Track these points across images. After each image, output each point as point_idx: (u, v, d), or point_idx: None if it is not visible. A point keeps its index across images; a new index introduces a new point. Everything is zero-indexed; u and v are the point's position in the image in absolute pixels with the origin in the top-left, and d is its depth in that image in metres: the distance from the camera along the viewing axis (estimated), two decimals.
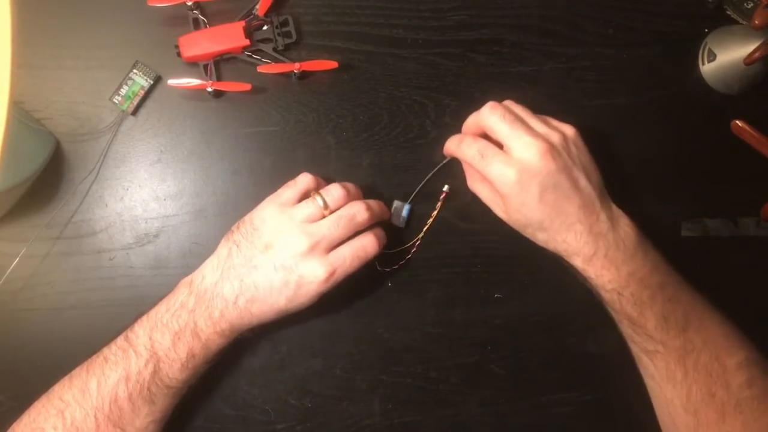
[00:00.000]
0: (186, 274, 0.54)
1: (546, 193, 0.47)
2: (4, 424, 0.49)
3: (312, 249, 0.46)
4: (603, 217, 0.48)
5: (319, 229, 0.47)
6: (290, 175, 0.51)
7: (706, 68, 0.60)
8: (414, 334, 0.56)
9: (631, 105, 0.60)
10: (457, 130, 0.58)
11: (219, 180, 0.55)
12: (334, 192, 0.48)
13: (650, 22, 0.61)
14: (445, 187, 0.56)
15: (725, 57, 0.58)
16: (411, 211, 0.56)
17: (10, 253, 0.51)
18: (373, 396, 0.55)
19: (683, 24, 0.61)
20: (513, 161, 0.47)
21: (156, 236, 0.54)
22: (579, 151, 0.49)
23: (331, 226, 0.47)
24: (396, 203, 0.56)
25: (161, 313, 0.46)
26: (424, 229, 0.56)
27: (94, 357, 0.46)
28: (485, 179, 0.50)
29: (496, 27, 0.59)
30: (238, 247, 0.47)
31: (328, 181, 0.52)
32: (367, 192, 0.56)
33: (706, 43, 0.60)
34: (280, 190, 0.50)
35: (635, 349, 0.49)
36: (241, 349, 0.54)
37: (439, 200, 0.56)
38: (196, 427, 0.53)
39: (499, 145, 0.49)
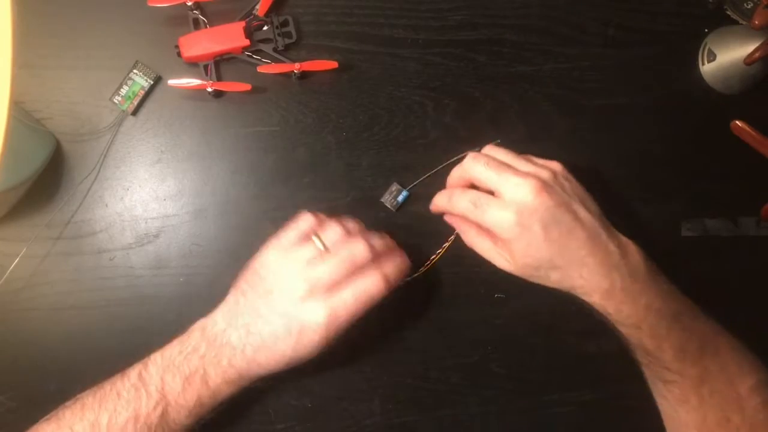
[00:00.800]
0: (186, 275, 0.54)
1: (549, 230, 0.45)
2: (4, 424, 0.49)
3: (311, 293, 0.44)
4: (612, 247, 0.46)
5: (317, 272, 0.45)
6: (290, 175, 0.51)
7: (706, 68, 0.60)
8: (414, 334, 0.56)
9: (631, 105, 0.60)
10: (457, 130, 0.58)
11: (219, 180, 0.55)
12: (332, 233, 0.47)
13: (650, 22, 0.61)
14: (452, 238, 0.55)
15: (725, 57, 0.58)
16: (407, 199, 0.55)
17: (10, 253, 0.51)
18: (373, 396, 0.55)
19: (683, 24, 0.61)
20: (508, 204, 0.46)
21: (156, 236, 0.54)
22: (571, 184, 0.48)
23: (330, 269, 0.45)
24: (394, 185, 0.56)
25: (174, 354, 0.45)
26: (432, 258, 0.55)
27: (107, 387, 0.44)
28: (482, 230, 0.49)
29: (496, 27, 0.59)
30: (244, 295, 0.46)
31: (329, 182, 0.52)
32: (366, 191, 0.56)
33: (706, 43, 0.60)
34: (281, 233, 0.48)
35: (650, 375, 0.49)
36: None
37: (447, 241, 0.56)
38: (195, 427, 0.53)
39: (490, 194, 0.48)
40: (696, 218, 0.59)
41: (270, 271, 0.46)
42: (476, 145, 0.58)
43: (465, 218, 0.50)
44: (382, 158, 0.57)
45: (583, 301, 0.48)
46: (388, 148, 0.57)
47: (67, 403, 0.45)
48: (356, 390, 0.55)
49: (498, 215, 0.46)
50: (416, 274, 0.55)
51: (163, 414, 0.44)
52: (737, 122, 0.58)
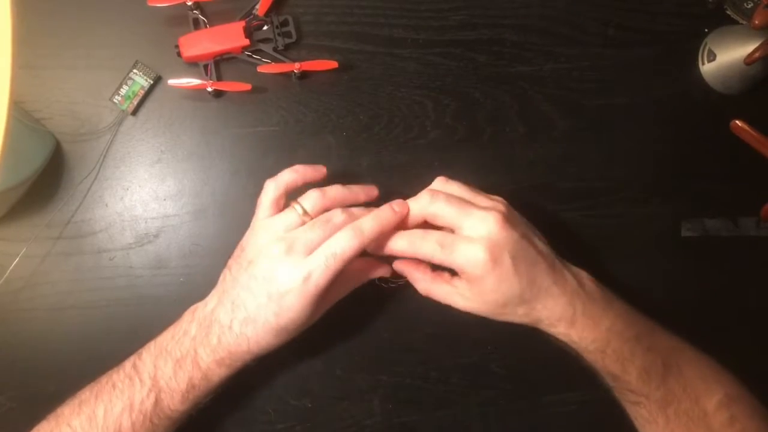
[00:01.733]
0: (186, 275, 0.54)
1: (518, 263, 0.45)
2: (4, 425, 0.49)
3: (287, 253, 0.44)
4: (568, 275, 0.47)
5: (294, 234, 0.45)
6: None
7: (706, 68, 0.60)
8: (414, 334, 0.56)
9: (631, 105, 0.60)
10: (457, 130, 0.58)
11: (219, 180, 0.55)
12: (311, 197, 0.47)
13: (650, 22, 0.61)
14: None
15: (725, 57, 0.58)
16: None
17: (10, 253, 0.51)
18: (373, 396, 0.55)
19: (683, 24, 0.61)
20: (476, 239, 0.45)
21: (156, 236, 0.54)
22: (521, 218, 0.48)
23: (306, 230, 0.45)
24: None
25: (167, 340, 0.45)
26: None
27: (103, 380, 0.45)
28: (438, 276, 0.49)
29: (496, 27, 0.59)
30: (230, 271, 0.47)
31: (329, 182, 0.52)
32: None
33: (706, 43, 0.60)
34: (256, 210, 0.48)
35: (619, 397, 0.49)
36: None
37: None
38: (195, 427, 0.53)
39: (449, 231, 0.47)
40: (696, 218, 0.59)
41: (250, 243, 0.47)
42: (476, 142, 0.58)
43: (418, 265, 0.50)
44: (382, 158, 0.57)
45: (548, 334, 0.48)
46: (388, 148, 0.57)
47: (66, 401, 0.45)
48: (356, 390, 0.55)
49: (468, 253, 0.45)
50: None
51: (157, 400, 0.44)
52: (737, 122, 0.58)
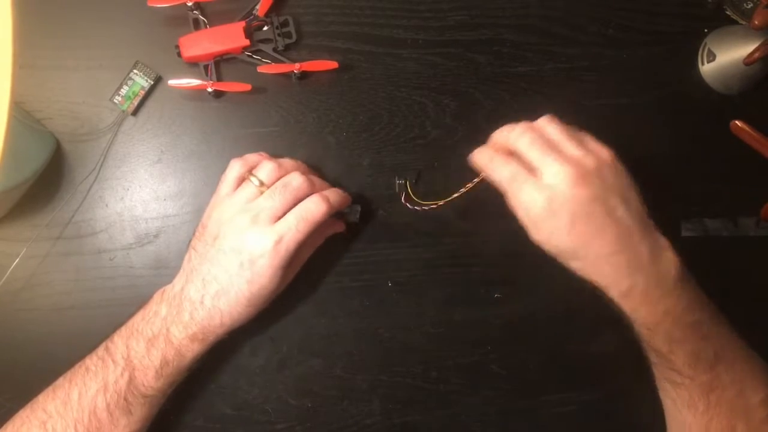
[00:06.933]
0: None
1: (577, 223, 0.44)
2: (3, 425, 0.49)
3: (254, 222, 0.45)
4: (643, 248, 0.45)
5: (256, 203, 0.46)
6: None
7: (706, 68, 0.60)
8: (414, 334, 0.56)
9: (631, 105, 0.60)
10: (457, 130, 0.58)
11: (219, 180, 0.55)
12: (266, 167, 0.48)
13: (650, 22, 0.61)
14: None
15: (725, 57, 0.58)
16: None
17: (10, 254, 0.51)
18: (373, 396, 0.55)
19: (683, 24, 0.61)
20: (543, 187, 0.44)
21: (156, 236, 0.54)
22: (617, 176, 0.46)
23: (267, 198, 0.46)
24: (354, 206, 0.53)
25: (137, 322, 0.46)
26: (461, 191, 0.51)
27: (76, 366, 0.46)
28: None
29: (496, 27, 0.59)
30: (195, 250, 0.48)
31: (329, 182, 0.52)
32: (367, 191, 0.56)
33: (706, 43, 0.60)
34: (217, 187, 0.50)
35: (658, 375, 0.48)
36: (241, 349, 0.54)
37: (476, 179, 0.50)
38: (196, 427, 0.53)
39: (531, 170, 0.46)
40: (696, 218, 0.59)
41: (212, 220, 0.48)
42: (476, 142, 0.58)
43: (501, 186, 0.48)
44: (382, 158, 0.57)
45: (601, 292, 0.46)
46: (388, 148, 0.57)
47: (43, 391, 0.46)
48: (356, 390, 0.55)
49: (530, 196, 0.44)
50: (448, 200, 0.52)
51: (131, 379, 0.44)
52: (737, 122, 0.58)
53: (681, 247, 0.59)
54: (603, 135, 0.59)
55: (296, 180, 0.47)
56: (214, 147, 0.55)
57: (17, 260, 0.51)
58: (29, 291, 0.52)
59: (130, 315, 0.47)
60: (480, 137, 0.58)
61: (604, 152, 0.47)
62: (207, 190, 0.55)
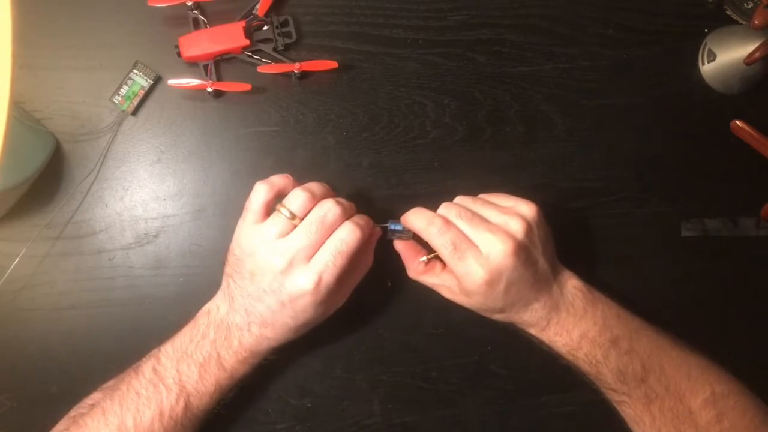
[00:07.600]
0: (186, 275, 0.54)
1: (510, 287, 0.47)
2: (4, 425, 0.49)
3: (291, 265, 0.44)
4: (554, 287, 0.49)
5: (292, 243, 0.44)
6: (290, 175, 0.50)
7: (706, 68, 0.60)
8: (414, 334, 0.56)
9: (631, 105, 0.60)
10: (457, 130, 0.58)
11: (219, 180, 0.55)
12: (297, 199, 0.45)
13: (650, 22, 0.61)
14: None
15: (725, 57, 0.58)
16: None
17: (10, 253, 0.51)
18: (373, 396, 0.55)
19: (683, 24, 0.61)
20: (483, 261, 0.46)
21: (156, 236, 0.54)
22: (540, 229, 0.48)
23: (303, 236, 0.44)
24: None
25: (185, 343, 0.45)
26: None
27: (124, 388, 0.44)
28: (430, 269, 0.51)
29: (496, 27, 0.59)
30: (232, 279, 0.46)
31: (329, 182, 0.52)
32: (366, 191, 0.56)
33: (706, 43, 0.60)
34: (243, 213, 0.47)
35: (605, 397, 0.50)
36: None
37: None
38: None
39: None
40: (696, 218, 0.59)
41: (245, 253, 0.46)
42: (476, 142, 0.58)
43: (416, 254, 0.51)
44: (382, 158, 0.57)
45: (521, 330, 0.51)
46: (388, 148, 0.57)
47: (82, 410, 0.44)
48: (356, 390, 0.55)
49: (472, 268, 0.46)
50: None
51: (187, 405, 0.44)
52: (737, 122, 0.58)
53: (681, 247, 0.59)
54: (603, 135, 0.59)
55: (332, 213, 0.45)
56: (214, 147, 0.55)
57: (17, 260, 0.51)
58: (29, 291, 0.52)
59: (174, 332, 0.46)
60: (480, 137, 0.58)
61: (526, 209, 0.48)
62: (207, 190, 0.55)
